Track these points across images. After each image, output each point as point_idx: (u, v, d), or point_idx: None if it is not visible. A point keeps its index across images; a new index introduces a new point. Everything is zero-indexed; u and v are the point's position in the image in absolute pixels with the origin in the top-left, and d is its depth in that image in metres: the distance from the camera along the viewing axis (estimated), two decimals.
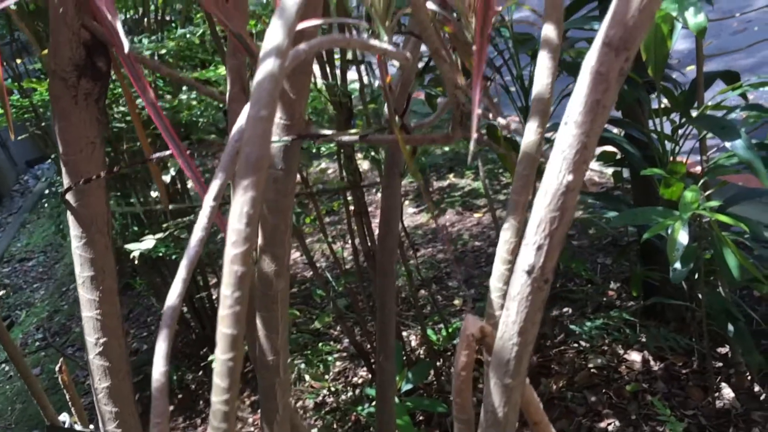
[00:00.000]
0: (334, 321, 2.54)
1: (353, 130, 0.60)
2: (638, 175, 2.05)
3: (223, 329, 0.28)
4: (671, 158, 1.96)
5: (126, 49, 0.40)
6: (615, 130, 2.19)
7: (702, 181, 1.77)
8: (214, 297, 3.07)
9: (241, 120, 0.35)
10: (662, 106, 1.97)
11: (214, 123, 1.86)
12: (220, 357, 0.27)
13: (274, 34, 0.29)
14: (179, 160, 0.49)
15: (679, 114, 1.94)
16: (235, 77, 0.59)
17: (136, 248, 1.91)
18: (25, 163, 8.89)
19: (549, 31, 0.40)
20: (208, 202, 0.33)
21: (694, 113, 1.85)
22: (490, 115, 0.56)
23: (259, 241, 0.60)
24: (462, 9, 0.59)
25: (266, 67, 0.28)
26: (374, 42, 0.40)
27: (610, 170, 3.10)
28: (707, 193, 1.77)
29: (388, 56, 0.42)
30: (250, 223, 0.27)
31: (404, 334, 2.67)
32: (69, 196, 0.60)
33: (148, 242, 1.90)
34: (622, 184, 2.53)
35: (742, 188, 2.16)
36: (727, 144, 1.56)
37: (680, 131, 1.88)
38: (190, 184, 3.43)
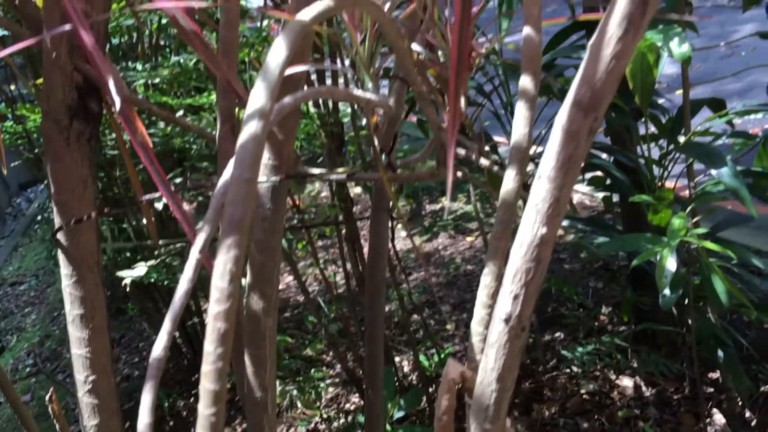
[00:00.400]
0: (327, 347, 2.54)
1: (341, 169, 0.62)
2: (627, 201, 2.08)
3: (207, 384, 0.29)
4: (660, 183, 1.99)
5: (118, 106, 0.41)
6: (604, 156, 2.21)
7: (690, 207, 1.79)
8: (206, 322, 3.06)
9: (226, 175, 0.36)
10: (650, 132, 2.00)
11: (207, 150, 1.88)
12: (203, 412, 0.28)
13: (258, 97, 0.30)
14: (169, 203, 0.50)
15: (666, 140, 1.97)
16: (225, 117, 0.60)
17: (128, 275, 1.91)
18: (18, 186, 8.87)
19: (526, 82, 0.42)
20: (194, 254, 0.34)
21: (682, 139, 1.88)
22: (475, 155, 0.57)
23: (248, 278, 0.61)
24: (447, 51, 0.60)
25: (249, 129, 0.29)
26: (358, 92, 0.42)
27: (600, 194, 3.13)
28: (695, 219, 1.79)
29: (372, 105, 0.43)
30: (233, 281, 0.28)
31: (397, 359, 2.66)
32: (60, 235, 0.61)
33: (140, 269, 1.90)
34: (612, 208, 2.56)
35: (731, 213, 2.18)
36: (713, 171, 1.58)
37: (668, 157, 1.90)
38: (184, 205, 3.44)
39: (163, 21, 2.44)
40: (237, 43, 0.57)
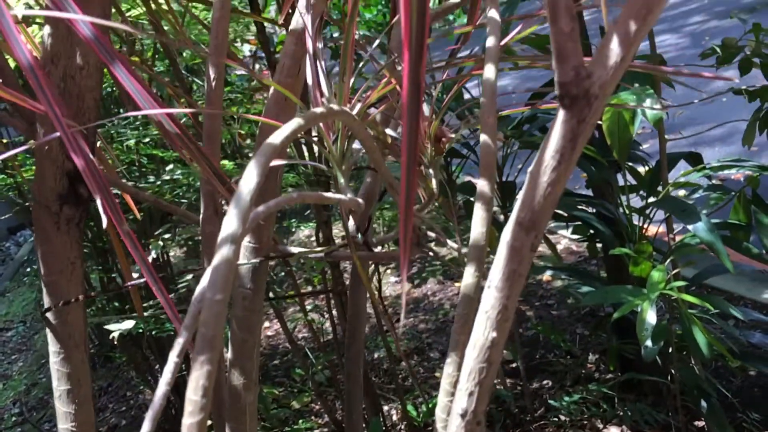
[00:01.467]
0: (314, 397, 2.53)
1: (319, 248, 0.65)
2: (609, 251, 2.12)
3: None
4: (644, 229, 2.03)
5: (105, 222, 0.45)
6: (586, 207, 2.26)
7: (669, 259, 1.83)
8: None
9: (204, 281, 0.39)
10: (630, 183, 2.06)
11: (196, 204, 1.91)
12: None
13: (230, 223, 0.33)
14: (157, 294, 0.52)
15: (645, 192, 2.02)
16: (208, 201, 0.64)
17: (116, 329, 1.92)
18: (7, 230, 8.84)
19: (483, 186, 0.45)
20: (173, 358, 0.37)
21: (661, 188, 1.93)
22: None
23: (229, 354, 0.63)
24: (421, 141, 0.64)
25: (222, 253, 0.33)
26: (328, 194, 0.45)
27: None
28: (675, 271, 1.83)
29: (343, 205, 0.47)
30: (206, 395, 0.31)
31: (385, 408, 2.66)
32: (49, 314, 0.63)
33: (128, 323, 1.91)
34: (596, 255, 2.60)
35: (712, 262, 2.23)
36: (689, 227, 1.62)
37: (648, 209, 1.95)
38: (172, 253, 3.45)
39: (158, 68, 2.49)
40: (220, 132, 0.61)
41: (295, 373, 2.88)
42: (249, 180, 0.35)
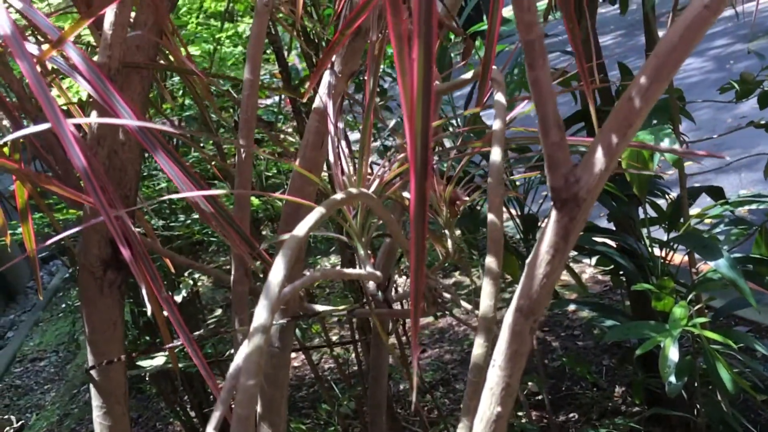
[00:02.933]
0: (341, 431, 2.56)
1: (342, 307, 0.69)
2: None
3: None
4: (667, 259, 2.03)
5: (145, 293, 0.50)
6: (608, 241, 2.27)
7: (692, 295, 1.84)
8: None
9: (239, 358, 0.43)
10: (650, 216, 2.07)
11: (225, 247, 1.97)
12: None
13: (260, 314, 0.38)
14: (190, 351, 0.57)
15: (666, 227, 2.04)
16: (238, 263, 0.69)
17: (148, 365, 1.97)
18: (40, 260, 8.97)
19: (491, 262, 0.49)
20: (210, 429, 0.41)
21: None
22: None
23: (258, 409, 0.68)
24: (435, 199, 0.69)
25: (254, 341, 0.37)
26: (348, 270, 0.49)
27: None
28: (698, 306, 1.84)
29: (362, 279, 0.51)
30: None
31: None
32: (93, 371, 0.68)
33: (159, 359, 1.97)
34: (620, 286, 2.61)
35: (736, 297, 2.22)
36: (711, 263, 1.64)
37: (670, 244, 1.96)
38: (201, 288, 3.52)
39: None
40: (249, 199, 0.66)
41: (321, 408, 2.91)
42: (277, 273, 0.39)
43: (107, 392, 0.69)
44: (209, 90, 0.92)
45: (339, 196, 0.48)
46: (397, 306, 0.76)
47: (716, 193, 2.06)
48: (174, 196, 0.48)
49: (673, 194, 2.09)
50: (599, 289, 3.74)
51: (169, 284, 2.03)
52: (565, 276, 3.66)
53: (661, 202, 2.15)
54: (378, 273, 0.51)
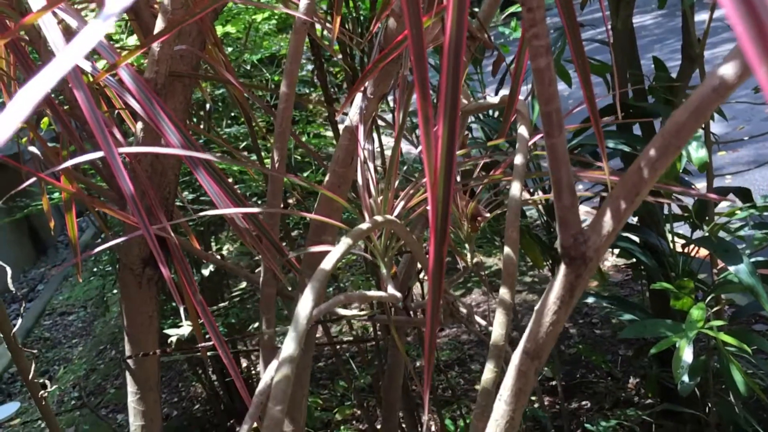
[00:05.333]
0: (356, 407, 2.63)
1: (362, 313, 0.73)
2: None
3: None
4: (693, 252, 2.03)
5: (174, 292, 0.54)
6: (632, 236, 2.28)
7: (710, 296, 1.85)
8: (244, 368, 3.19)
9: (267, 376, 0.47)
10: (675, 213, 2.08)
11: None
12: None
13: (288, 346, 0.42)
14: (220, 352, 0.62)
15: (691, 225, 2.04)
16: (267, 265, 0.73)
17: (174, 333, 2.05)
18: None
19: (504, 293, 0.53)
20: None
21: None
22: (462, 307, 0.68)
23: None
24: (456, 214, 0.72)
25: (282, 371, 0.41)
26: (370, 293, 0.53)
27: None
28: (716, 308, 1.85)
29: (382, 300, 0.55)
30: None
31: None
32: (129, 361, 0.74)
33: (185, 329, 2.04)
34: (640, 279, 2.62)
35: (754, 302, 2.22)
36: (731, 268, 1.65)
37: (691, 246, 1.97)
38: (225, 249, 3.60)
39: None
40: (278, 219, 0.70)
41: (338, 386, 2.98)
42: (305, 306, 0.43)
43: (142, 380, 0.74)
44: (246, 98, 0.96)
45: (365, 225, 0.51)
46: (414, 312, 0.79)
47: (744, 194, 2.05)
48: (211, 213, 0.52)
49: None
50: (621, 278, 3.75)
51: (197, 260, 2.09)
52: None
53: (688, 200, 2.15)
54: (398, 295, 0.55)
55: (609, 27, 2.23)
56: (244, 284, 2.57)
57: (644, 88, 2.26)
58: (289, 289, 0.77)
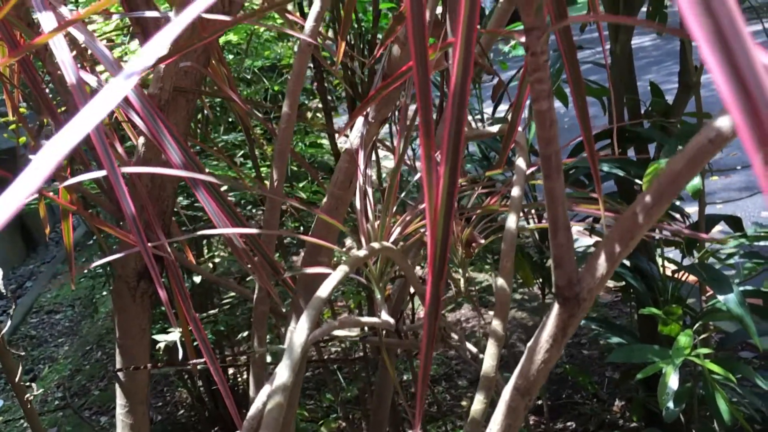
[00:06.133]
0: (342, 420, 2.63)
1: (354, 334, 0.73)
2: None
3: None
4: (683, 277, 2.04)
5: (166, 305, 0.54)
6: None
7: (698, 324, 1.86)
8: (230, 375, 3.18)
9: (259, 400, 0.48)
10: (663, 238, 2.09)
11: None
12: None
13: (282, 374, 0.42)
14: (212, 369, 0.62)
15: (681, 252, 2.05)
16: (262, 285, 0.73)
17: (162, 339, 2.05)
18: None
19: (496, 325, 0.53)
20: None
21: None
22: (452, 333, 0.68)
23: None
24: (452, 240, 0.72)
25: (275, 400, 0.41)
26: (364, 319, 0.54)
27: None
28: (703, 336, 1.86)
29: (376, 325, 0.55)
30: None
31: None
32: (119, 374, 0.74)
33: (174, 335, 2.04)
34: (629, 301, 2.64)
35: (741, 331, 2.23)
36: (720, 297, 1.66)
37: (681, 272, 1.98)
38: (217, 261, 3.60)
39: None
40: (274, 242, 0.70)
41: (325, 398, 2.98)
42: (301, 333, 0.44)
43: (132, 393, 0.74)
44: (248, 115, 0.96)
45: (362, 252, 0.52)
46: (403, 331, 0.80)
47: (735, 223, 2.07)
48: (208, 232, 0.53)
49: (693, 218, 2.10)
50: (610, 298, 3.76)
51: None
52: None
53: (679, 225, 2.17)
54: (392, 321, 0.55)
55: (607, 48, 2.25)
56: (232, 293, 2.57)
57: (640, 112, 2.28)
58: (283, 310, 0.78)
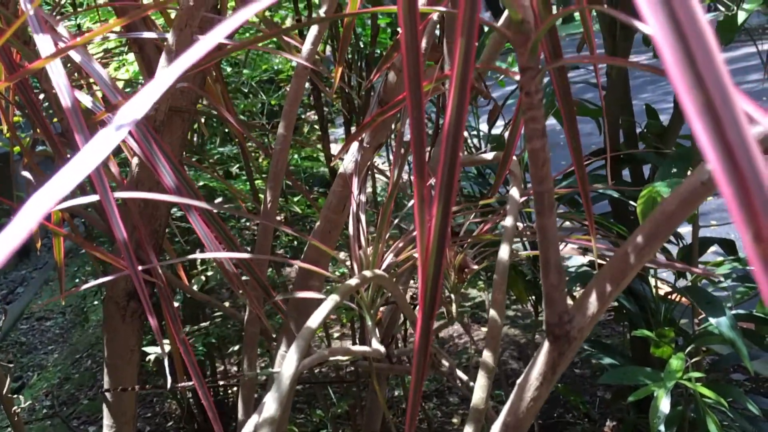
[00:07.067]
0: None
1: (344, 358, 0.73)
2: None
3: None
4: (676, 297, 2.05)
5: (158, 327, 0.54)
6: None
7: (690, 347, 1.86)
8: (220, 387, 3.15)
9: (249, 427, 0.47)
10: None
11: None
12: None
13: (270, 407, 0.42)
14: (200, 392, 0.61)
15: (675, 274, 2.06)
16: (253, 310, 0.73)
17: (152, 351, 2.03)
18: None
19: (487, 357, 0.53)
20: None
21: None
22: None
23: None
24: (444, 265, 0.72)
25: None
26: (354, 348, 0.53)
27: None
28: (695, 359, 1.86)
29: (366, 354, 0.55)
30: None
31: None
32: (107, 394, 0.73)
33: (164, 346, 2.03)
34: (623, 321, 2.63)
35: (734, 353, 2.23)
36: (712, 320, 1.66)
37: (674, 295, 1.99)
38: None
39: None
40: (267, 264, 0.70)
41: (315, 414, 2.96)
42: (289, 366, 0.43)
43: (119, 413, 0.73)
44: (244, 136, 0.97)
45: (354, 281, 0.51)
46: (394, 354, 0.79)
47: (729, 246, 2.08)
48: (200, 256, 0.52)
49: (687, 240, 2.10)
50: (603, 318, 3.76)
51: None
52: (570, 302, 3.67)
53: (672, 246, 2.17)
54: (382, 350, 0.55)
55: (603, 69, 2.26)
56: (226, 303, 2.56)
57: (636, 133, 2.29)
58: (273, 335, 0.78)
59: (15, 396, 1.03)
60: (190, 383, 0.64)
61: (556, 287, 0.41)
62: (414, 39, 0.31)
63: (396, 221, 0.65)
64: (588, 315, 0.40)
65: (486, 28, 1.20)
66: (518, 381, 0.42)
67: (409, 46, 0.31)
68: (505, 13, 0.66)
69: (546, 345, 0.41)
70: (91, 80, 0.88)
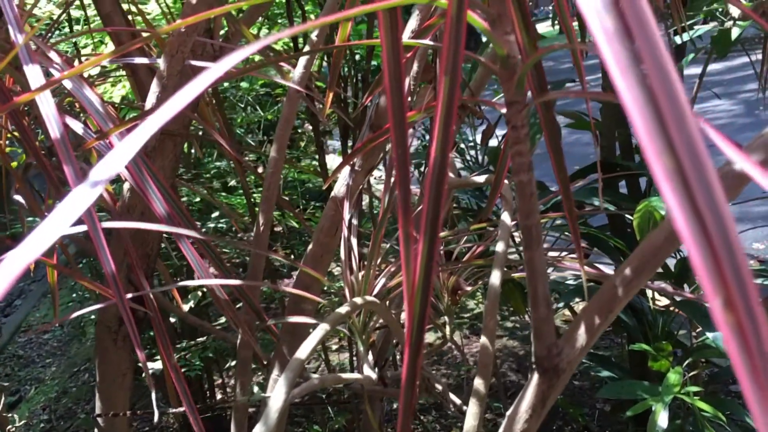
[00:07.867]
0: None
1: (339, 384, 0.73)
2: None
3: None
4: (674, 309, 2.04)
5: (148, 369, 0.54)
6: None
7: (688, 360, 1.86)
8: (217, 398, 3.14)
9: None
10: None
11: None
12: None
13: None
14: (191, 419, 0.61)
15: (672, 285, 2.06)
16: (245, 338, 0.73)
17: (150, 368, 2.03)
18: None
19: (479, 384, 0.53)
20: None
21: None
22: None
23: None
24: (438, 287, 0.72)
25: None
26: (345, 375, 0.53)
27: None
28: (692, 373, 1.86)
29: (358, 381, 0.55)
30: None
31: None
32: (98, 419, 0.73)
33: (157, 364, 2.02)
34: (621, 334, 2.63)
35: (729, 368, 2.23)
36: (709, 335, 1.66)
37: (670, 308, 1.98)
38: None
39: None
40: (259, 289, 0.70)
41: (312, 429, 2.95)
42: (278, 398, 0.43)
43: None
44: (238, 159, 0.97)
45: (344, 309, 0.51)
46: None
47: None
48: (193, 283, 0.53)
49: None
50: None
51: (181, 292, 2.08)
52: (568, 314, 3.68)
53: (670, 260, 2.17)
54: (374, 376, 0.55)
55: (599, 82, 2.27)
56: (222, 319, 2.55)
57: (632, 145, 2.30)
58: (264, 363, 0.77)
59: (9, 415, 1.03)
60: (181, 409, 0.64)
61: (545, 320, 0.40)
62: (398, 80, 0.31)
63: (390, 244, 0.65)
64: (577, 347, 0.40)
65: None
66: (508, 413, 0.42)
67: (394, 87, 0.31)
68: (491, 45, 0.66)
69: (535, 377, 0.41)
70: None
